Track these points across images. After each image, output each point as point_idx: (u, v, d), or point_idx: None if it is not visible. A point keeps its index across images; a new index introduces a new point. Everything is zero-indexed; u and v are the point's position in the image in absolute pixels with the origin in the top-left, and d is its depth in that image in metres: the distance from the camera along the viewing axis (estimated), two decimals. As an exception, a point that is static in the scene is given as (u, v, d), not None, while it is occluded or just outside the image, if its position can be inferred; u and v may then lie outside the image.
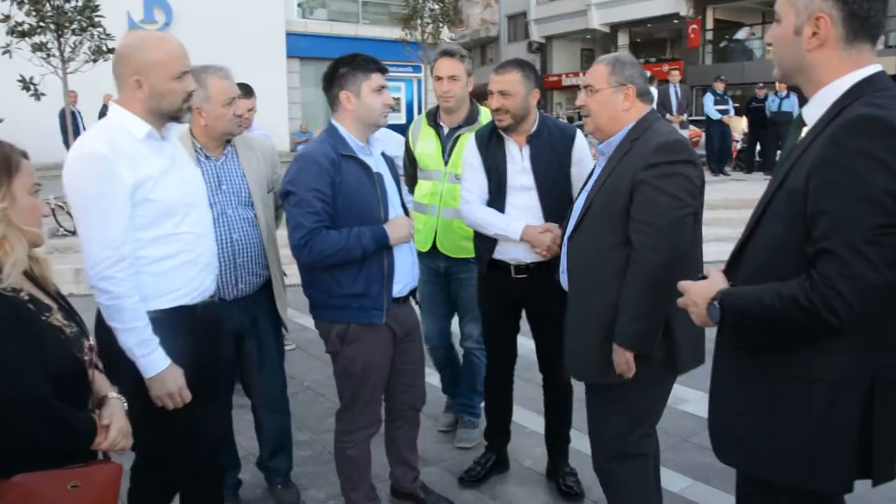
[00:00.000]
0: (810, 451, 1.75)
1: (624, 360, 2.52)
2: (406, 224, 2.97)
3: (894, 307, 1.67)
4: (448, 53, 3.75)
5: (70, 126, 12.15)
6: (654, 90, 10.91)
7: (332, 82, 2.94)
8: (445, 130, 3.84)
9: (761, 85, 15.47)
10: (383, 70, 2.97)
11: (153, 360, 2.38)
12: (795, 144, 1.84)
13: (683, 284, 1.97)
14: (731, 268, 1.92)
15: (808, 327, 1.64)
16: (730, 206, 9.93)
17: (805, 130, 1.86)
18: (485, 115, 3.82)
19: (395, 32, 21.10)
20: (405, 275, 3.05)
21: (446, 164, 3.79)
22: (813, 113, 1.79)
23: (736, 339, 1.87)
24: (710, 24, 30.60)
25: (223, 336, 2.82)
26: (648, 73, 2.83)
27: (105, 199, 2.29)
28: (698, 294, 1.89)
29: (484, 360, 3.90)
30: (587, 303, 2.66)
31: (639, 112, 2.65)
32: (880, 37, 1.77)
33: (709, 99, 14.65)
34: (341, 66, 2.92)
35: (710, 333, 2.09)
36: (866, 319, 1.61)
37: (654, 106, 2.78)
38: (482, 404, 4.08)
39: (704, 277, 1.96)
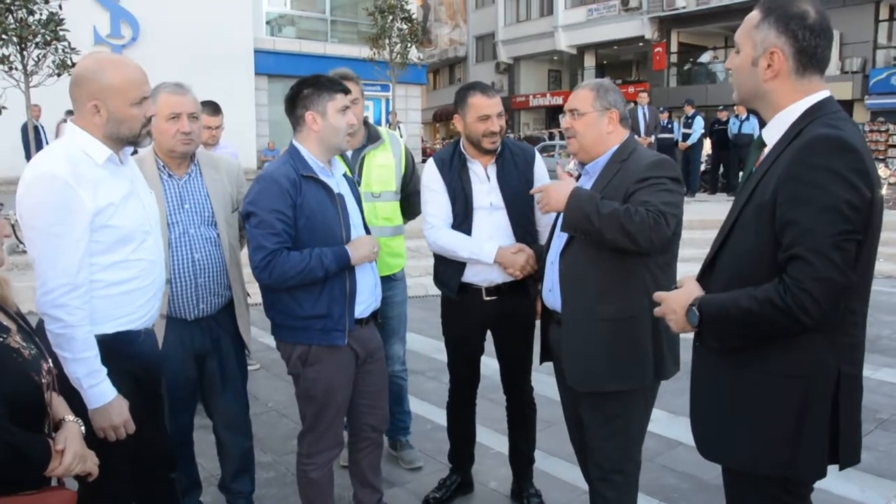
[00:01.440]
0: (789, 442, 1.90)
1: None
2: (368, 243, 2.96)
3: (854, 307, 1.89)
4: (347, 77, 3.60)
5: (33, 140, 11.96)
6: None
7: (296, 103, 2.92)
8: (349, 153, 3.76)
9: (722, 108, 15.79)
10: (346, 91, 2.97)
11: (101, 391, 2.32)
12: (758, 163, 2.03)
13: (660, 294, 2.13)
14: (703, 278, 2.08)
15: (782, 326, 1.80)
16: (693, 227, 10.08)
17: (766, 151, 2.02)
18: (385, 134, 3.91)
19: (364, 51, 21.16)
20: (367, 296, 3.04)
21: (358, 184, 3.77)
22: (772, 135, 1.98)
23: (714, 341, 2.00)
24: (674, 48, 31.20)
25: (162, 359, 2.78)
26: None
27: (63, 225, 2.24)
28: (676, 302, 2.05)
29: (406, 381, 4.20)
30: (590, 314, 2.70)
31: (620, 135, 2.80)
32: (826, 68, 1.97)
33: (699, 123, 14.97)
34: (305, 88, 2.91)
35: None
36: (832, 317, 1.79)
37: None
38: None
39: (677, 288, 2.11)
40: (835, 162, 1.76)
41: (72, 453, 1.95)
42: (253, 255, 2.80)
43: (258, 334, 6.52)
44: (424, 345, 6.50)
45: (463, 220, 3.36)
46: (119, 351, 2.41)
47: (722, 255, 2.03)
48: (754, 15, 1.97)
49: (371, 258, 2.98)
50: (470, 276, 3.39)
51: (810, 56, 1.91)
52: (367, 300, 3.04)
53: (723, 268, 2.02)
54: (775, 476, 1.96)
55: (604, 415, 2.77)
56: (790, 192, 1.79)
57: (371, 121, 3.96)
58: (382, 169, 3.80)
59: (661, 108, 15.81)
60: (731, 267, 1.99)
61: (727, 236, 2.01)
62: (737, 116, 14.81)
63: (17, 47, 10.83)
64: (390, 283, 3.86)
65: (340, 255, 2.84)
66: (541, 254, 3.11)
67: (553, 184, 2.77)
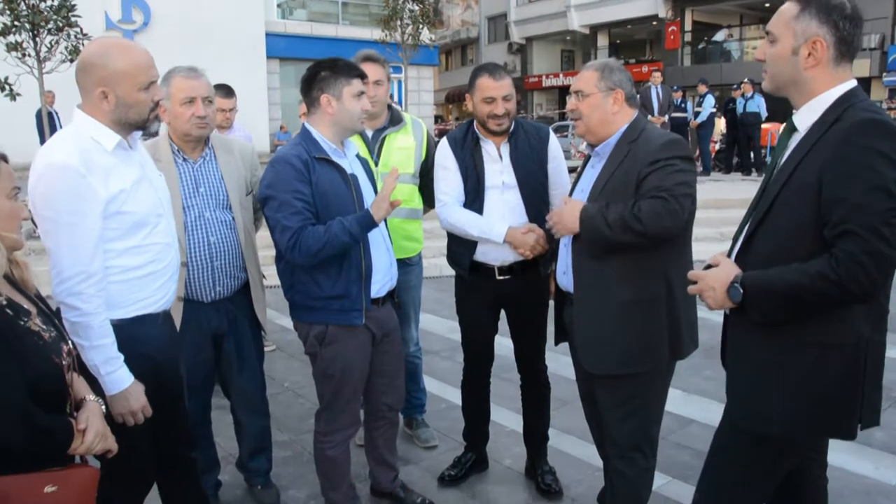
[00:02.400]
0: (831, 407, 2.03)
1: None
2: (385, 197, 2.89)
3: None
4: (372, 59, 3.71)
5: (47, 126, 12.03)
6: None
7: (312, 85, 2.94)
8: (369, 133, 3.79)
9: (736, 87, 15.65)
10: (363, 76, 2.98)
11: (118, 377, 2.34)
12: (791, 146, 2.11)
13: (696, 273, 2.19)
14: (741, 256, 2.16)
15: (833, 298, 1.90)
16: (707, 206, 10.03)
17: (797, 135, 2.11)
18: (408, 118, 3.93)
19: (376, 33, 21.07)
20: (383, 275, 3.07)
21: (376, 165, 3.78)
22: (805, 119, 2.07)
23: (759, 314, 2.06)
24: (688, 26, 30.86)
25: (180, 341, 2.82)
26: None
27: (77, 214, 2.25)
28: (716, 279, 2.11)
29: (421, 361, 4.26)
30: (604, 296, 2.72)
31: (627, 115, 2.78)
32: (855, 56, 2.07)
33: (710, 102, 14.83)
34: (323, 70, 2.92)
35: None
36: (881, 289, 1.90)
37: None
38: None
39: (711, 266, 2.17)
40: (882, 144, 1.86)
41: (93, 432, 1.99)
42: (280, 238, 2.82)
43: (274, 316, 6.59)
44: (439, 325, 6.54)
45: (474, 198, 3.37)
46: (138, 335, 2.44)
47: (759, 235, 2.10)
48: (791, 6, 2.05)
49: (391, 208, 2.91)
50: (481, 255, 3.41)
51: (848, 45, 2.01)
52: (382, 279, 3.06)
53: (761, 246, 2.10)
54: (815, 438, 2.13)
55: (619, 396, 2.79)
56: (839, 171, 1.89)
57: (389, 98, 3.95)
58: (401, 151, 3.81)
59: (676, 87, 15.67)
60: (770, 245, 2.07)
61: (764, 216, 2.09)
62: (742, 95, 14.68)
63: (30, 34, 10.85)
64: (406, 267, 3.86)
65: (361, 216, 2.85)
66: (552, 234, 3.12)
67: (561, 209, 2.77)
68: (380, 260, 3.05)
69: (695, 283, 2.19)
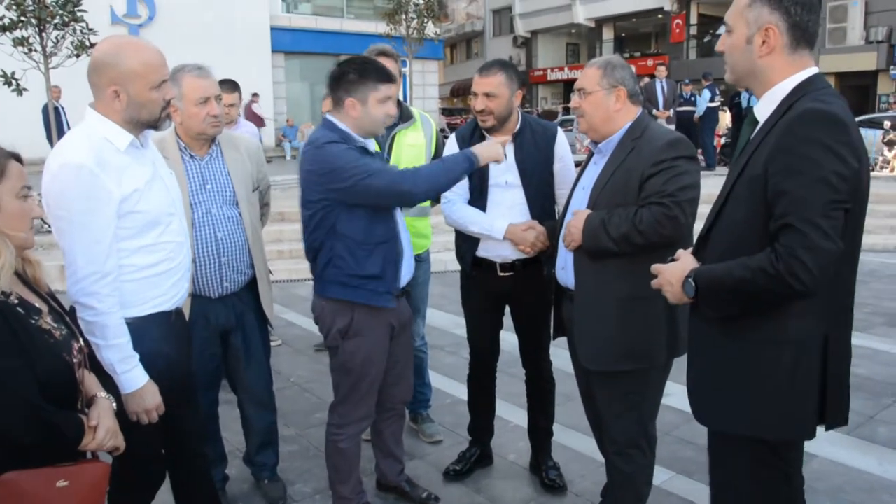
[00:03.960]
0: (782, 406, 1.98)
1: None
2: (496, 145, 2.99)
3: (841, 272, 1.95)
4: (387, 54, 3.70)
5: (53, 122, 12.06)
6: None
7: (338, 85, 2.92)
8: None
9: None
10: (392, 80, 2.97)
11: (133, 376, 2.36)
12: (751, 138, 2.09)
13: (657, 267, 2.20)
14: (699, 250, 2.16)
15: (775, 293, 1.87)
16: (710, 201, 9.98)
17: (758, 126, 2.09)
18: (417, 114, 3.94)
19: (380, 27, 21.02)
20: (407, 263, 3.11)
21: (387, 162, 3.81)
22: (764, 110, 2.04)
23: (710, 310, 2.07)
24: (694, 20, 30.74)
25: (191, 338, 2.85)
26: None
27: (91, 213, 2.26)
28: (672, 274, 2.12)
29: (427, 355, 4.29)
30: (602, 293, 2.74)
31: (630, 113, 2.79)
32: (815, 42, 2.05)
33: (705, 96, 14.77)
34: (351, 72, 2.90)
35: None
36: (823, 284, 1.84)
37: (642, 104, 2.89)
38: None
39: (674, 260, 2.18)
40: (823, 134, 1.82)
41: (104, 429, 2.01)
42: (377, 180, 2.80)
43: (280, 311, 6.63)
44: (444, 320, 6.56)
45: (478, 196, 3.39)
46: (152, 332, 2.45)
47: (716, 228, 2.10)
48: None
49: (499, 157, 2.98)
50: (483, 251, 3.43)
51: (803, 30, 1.98)
52: (406, 267, 3.10)
53: (717, 239, 2.09)
54: (765, 439, 2.05)
55: (616, 392, 2.81)
56: (781, 163, 1.86)
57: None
58: (412, 149, 3.82)
59: (686, 81, 15.55)
60: (725, 238, 2.06)
61: (721, 209, 2.08)
62: (747, 90, 14.55)
63: (36, 29, 10.87)
64: (416, 263, 3.88)
65: (469, 153, 2.93)
66: (554, 231, 3.14)
67: (572, 221, 2.78)
68: (406, 248, 3.09)
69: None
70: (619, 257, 2.67)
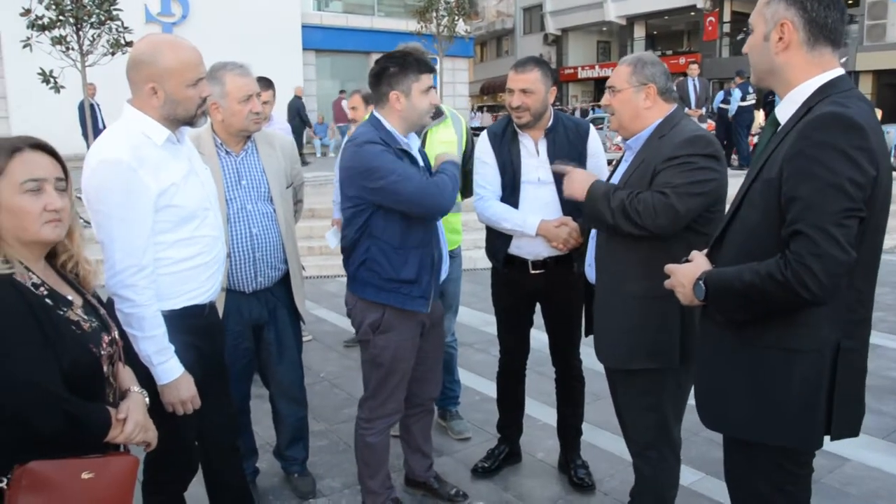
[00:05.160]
0: (788, 414, 1.96)
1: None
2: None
3: (857, 283, 1.91)
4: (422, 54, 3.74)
5: (89, 118, 12.25)
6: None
7: (380, 80, 2.94)
8: None
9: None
10: (432, 70, 3.00)
11: (169, 367, 2.40)
12: (770, 139, 2.05)
13: (670, 267, 2.18)
14: (714, 252, 2.14)
15: (783, 300, 1.84)
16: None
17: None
18: (447, 111, 3.96)
19: (411, 25, 21.04)
20: (444, 265, 3.14)
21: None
22: (785, 111, 2.00)
23: (719, 313, 2.06)
24: (727, 17, 30.39)
25: (224, 331, 2.89)
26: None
27: (129, 208, 2.30)
28: (684, 275, 2.11)
29: (457, 352, 4.30)
30: (615, 291, 2.73)
31: (661, 109, 2.74)
32: (840, 41, 1.98)
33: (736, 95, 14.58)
34: (392, 65, 2.92)
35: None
36: (832, 293, 1.80)
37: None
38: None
39: (689, 261, 2.16)
40: (839, 139, 1.78)
41: (133, 423, 2.00)
42: (407, 188, 2.82)
43: (311, 307, 6.67)
44: (473, 318, 6.57)
45: (511, 192, 3.40)
46: (186, 325, 2.49)
47: (731, 230, 2.07)
48: None
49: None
50: (515, 248, 3.43)
51: (820, 27, 1.93)
52: (443, 269, 3.13)
53: (731, 242, 2.07)
54: (775, 445, 2.03)
55: (634, 391, 2.80)
56: (795, 168, 1.83)
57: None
58: (444, 145, 3.84)
59: (733, 77, 15.30)
60: (738, 241, 2.03)
61: (736, 211, 2.05)
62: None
63: (74, 28, 11.07)
64: (448, 259, 3.91)
65: (447, 162, 3.01)
66: (587, 228, 3.13)
67: (579, 171, 2.85)
68: (444, 251, 3.12)
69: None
70: (638, 253, 2.64)
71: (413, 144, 3.08)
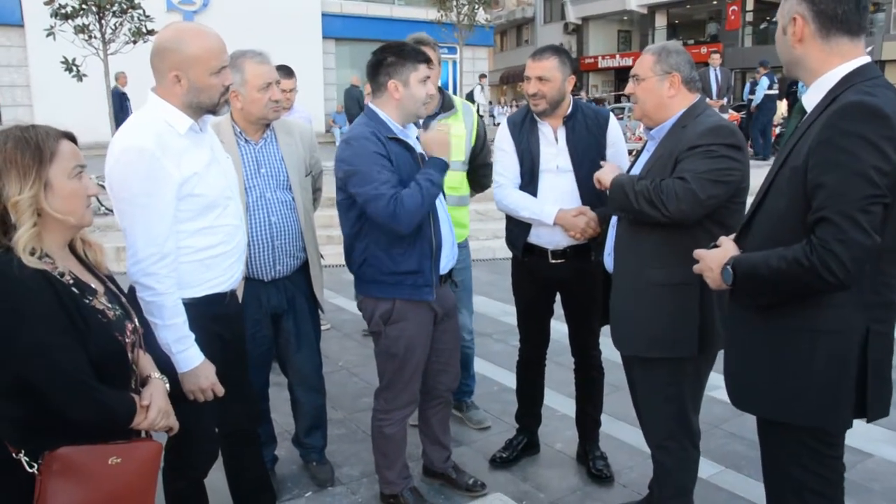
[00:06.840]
0: (818, 394, 2.00)
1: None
2: (435, 133, 3.01)
3: (884, 267, 1.96)
4: (423, 42, 3.67)
5: (113, 106, 12.34)
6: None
7: (378, 70, 2.95)
8: (421, 120, 3.77)
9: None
10: (428, 60, 3.01)
11: (189, 356, 2.42)
12: (797, 128, 2.09)
13: (699, 252, 2.24)
14: (741, 237, 2.19)
15: (808, 285, 1.90)
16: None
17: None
18: (458, 103, 3.94)
19: (431, 13, 20.98)
20: (448, 251, 3.12)
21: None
22: (811, 100, 2.05)
23: (747, 298, 2.11)
24: (750, 6, 30.03)
25: (244, 319, 2.90)
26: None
27: (152, 196, 2.31)
28: (713, 260, 2.16)
29: (473, 350, 4.27)
30: (637, 277, 2.73)
31: (685, 99, 2.75)
32: (862, 32, 2.02)
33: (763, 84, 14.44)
34: (389, 55, 2.93)
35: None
36: (860, 277, 1.86)
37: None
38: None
39: (717, 246, 2.21)
40: (864, 128, 1.82)
41: (156, 409, 2.04)
42: (376, 207, 2.80)
43: (329, 296, 6.69)
44: (492, 307, 6.56)
45: (529, 181, 3.38)
46: (207, 313, 2.51)
47: (757, 216, 2.12)
48: None
49: (443, 142, 3.00)
50: (535, 237, 3.42)
51: (831, 18, 1.97)
52: (447, 255, 3.11)
53: (757, 228, 2.11)
54: (802, 425, 2.06)
55: (653, 383, 2.80)
56: (821, 156, 1.87)
57: (439, 83, 3.97)
58: (452, 139, 3.81)
59: (762, 64, 15.17)
60: (765, 228, 2.08)
61: (763, 198, 2.10)
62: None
63: (96, 16, 11.16)
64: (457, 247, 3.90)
65: (433, 163, 2.95)
66: (605, 217, 3.12)
67: (607, 167, 2.89)
68: (446, 237, 3.10)
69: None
70: (657, 240, 2.65)
71: (412, 132, 3.09)
